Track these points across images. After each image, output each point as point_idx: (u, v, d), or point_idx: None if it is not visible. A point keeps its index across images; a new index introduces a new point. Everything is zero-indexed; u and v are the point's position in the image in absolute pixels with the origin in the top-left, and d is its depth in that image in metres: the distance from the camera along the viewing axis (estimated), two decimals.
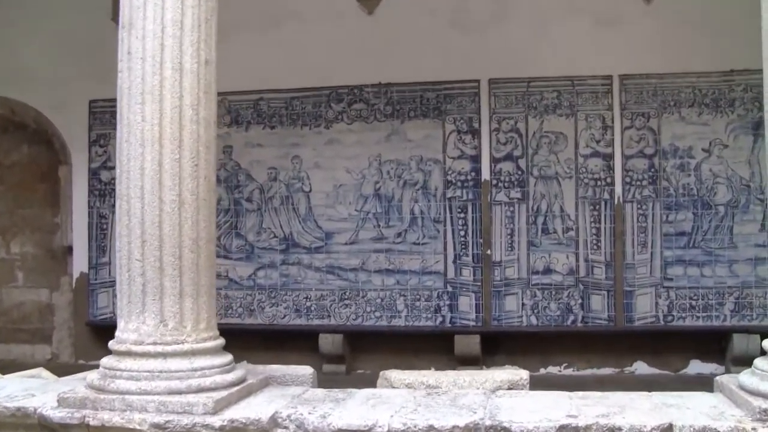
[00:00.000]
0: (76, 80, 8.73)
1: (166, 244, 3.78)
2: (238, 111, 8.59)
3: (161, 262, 3.77)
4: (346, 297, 8.32)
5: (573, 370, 7.95)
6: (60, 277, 9.28)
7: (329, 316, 8.36)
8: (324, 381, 7.72)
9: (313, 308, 8.39)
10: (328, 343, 8.09)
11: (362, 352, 8.33)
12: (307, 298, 8.40)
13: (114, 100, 8.30)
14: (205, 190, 3.92)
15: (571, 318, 7.94)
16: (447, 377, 4.21)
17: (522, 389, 4.13)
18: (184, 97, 3.87)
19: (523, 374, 4.19)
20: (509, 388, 4.10)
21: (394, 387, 4.18)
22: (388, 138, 8.26)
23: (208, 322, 3.95)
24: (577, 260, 7.93)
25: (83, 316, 8.93)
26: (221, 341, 4.02)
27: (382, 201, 8.26)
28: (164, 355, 3.71)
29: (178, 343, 3.75)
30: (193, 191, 3.85)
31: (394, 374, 4.25)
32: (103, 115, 8.89)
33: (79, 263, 9.03)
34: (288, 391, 4.10)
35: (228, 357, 4.01)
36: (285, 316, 8.45)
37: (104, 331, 8.52)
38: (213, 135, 4.05)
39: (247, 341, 8.25)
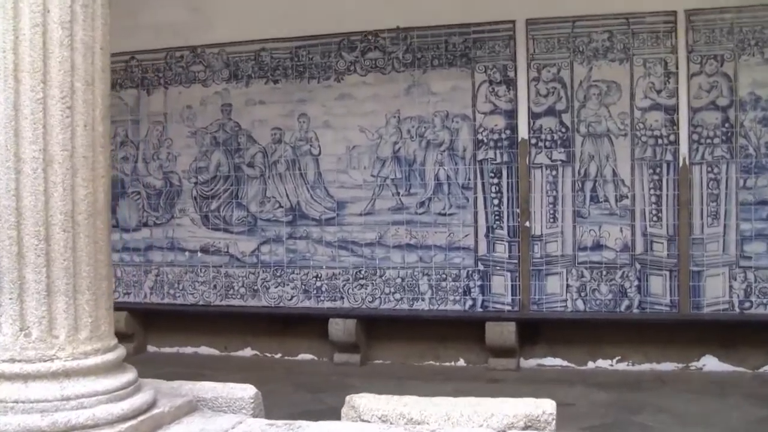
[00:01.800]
0: None
1: (27, 221, 2.69)
2: (237, 64, 7.57)
3: (20, 246, 2.69)
4: (361, 276, 7.25)
5: (627, 365, 6.68)
6: None
7: (342, 297, 7.30)
8: (335, 374, 6.73)
9: (323, 289, 7.34)
10: (339, 329, 7.00)
11: (379, 340, 7.24)
12: (317, 277, 7.36)
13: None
14: (86, 144, 2.77)
15: (626, 303, 6.71)
16: (437, 408, 2.98)
17: (544, 428, 2.85)
18: (50, 11, 2.74)
19: (547, 406, 2.91)
20: (526, 427, 2.85)
21: (363, 419, 3.01)
22: (408, 91, 7.13)
23: (95, 329, 2.85)
24: (633, 234, 6.68)
25: None
26: (116, 354, 2.91)
27: (401, 165, 7.15)
28: (25, 378, 2.64)
29: (45, 360, 2.68)
30: (66, 145, 2.72)
31: (365, 401, 3.04)
32: None
33: None
34: (213, 424, 2.98)
35: (126, 377, 2.90)
36: (292, 297, 7.42)
37: None
38: (100, 66, 2.86)
39: (249, 325, 7.50)
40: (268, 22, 7.31)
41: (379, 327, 7.19)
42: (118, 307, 7.52)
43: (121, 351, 2.94)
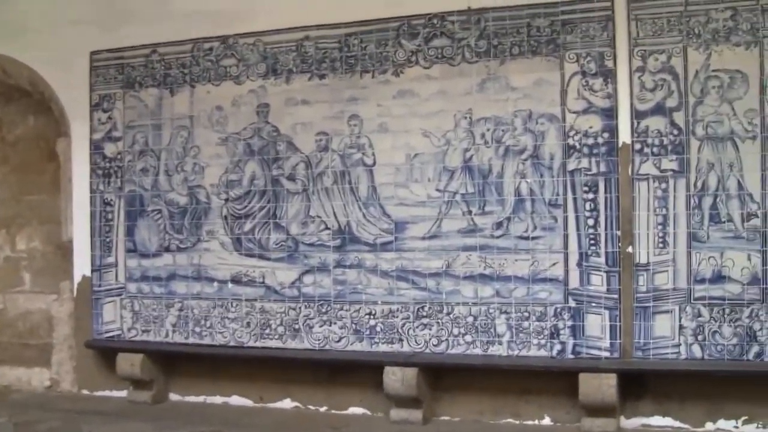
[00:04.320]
0: (74, 27, 7.96)
1: None
2: (276, 56, 7.40)
3: None
4: (424, 314, 6.92)
5: (757, 427, 6.17)
6: (60, 281, 8.31)
7: (401, 340, 6.98)
8: None
9: (378, 329, 7.04)
10: (396, 380, 6.68)
11: (447, 392, 6.92)
12: (370, 314, 7.07)
13: (122, 49, 7.38)
14: None
15: (755, 349, 6.18)
16: None
17: None
18: None
19: None
20: None
21: None
22: (482, 86, 6.82)
23: None
24: (765, 263, 6.18)
25: (86, 333, 7.99)
26: None
27: (474, 176, 6.83)
28: None
29: None
30: None
31: None
32: (107, 70, 7.98)
33: (81, 264, 8.09)
34: None
35: None
36: (341, 338, 7.15)
37: (110, 353, 7.59)
38: None
39: (289, 372, 7.36)
40: (312, 4, 7.19)
41: (446, 377, 6.88)
42: (135, 348, 7.58)
43: None
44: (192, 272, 7.57)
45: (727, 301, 6.22)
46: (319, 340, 7.20)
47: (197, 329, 7.54)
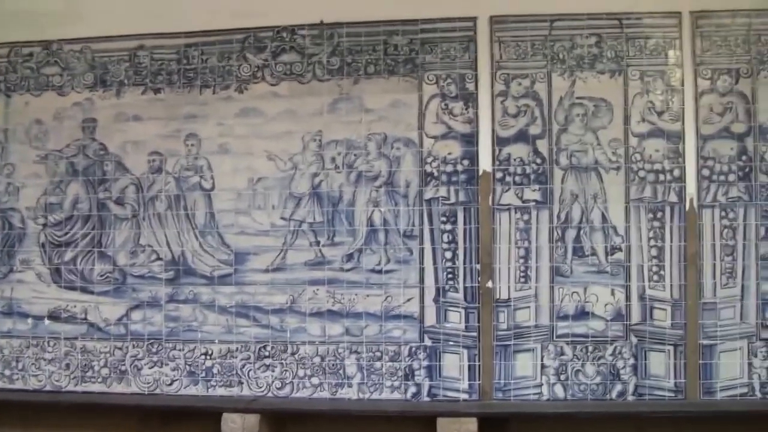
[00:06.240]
0: None
1: None
2: (106, 66, 7.22)
3: None
4: (266, 354, 6.88)
5: None
6: None
7: (240, 382, 6.90)
8: None
9: (215, 370, 6.94)
10: (236, 427, 6.54)
11: None
12: (206, 354, 6.96)
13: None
14: None
15: (618, 388, 6.48)
16: None
17: None
18: None
19: None
20: None
21: None
22: (333, 106, 6.89)
23: None
24: (628, 298, 6.49)
25: None
26: None
27: (323, 204, 6.88)
28: None
29: None
30: None
31: None
32: None
33: None
34: None
35: None
36: (173, 381, 7.00)
37: None
38: None
39: (114, 420, 7.05)
40: (149, 10, 7.08)
41: (291, 423, 6.81)
42: None
43: None
44: (2, 307, 7.24)
45: (590, 339, 6.46)
46: (148, 383, 7.02)
47: (7, 372, 7.21)
